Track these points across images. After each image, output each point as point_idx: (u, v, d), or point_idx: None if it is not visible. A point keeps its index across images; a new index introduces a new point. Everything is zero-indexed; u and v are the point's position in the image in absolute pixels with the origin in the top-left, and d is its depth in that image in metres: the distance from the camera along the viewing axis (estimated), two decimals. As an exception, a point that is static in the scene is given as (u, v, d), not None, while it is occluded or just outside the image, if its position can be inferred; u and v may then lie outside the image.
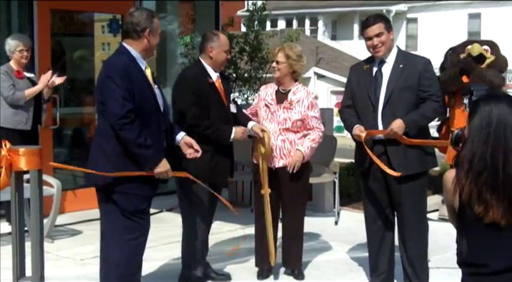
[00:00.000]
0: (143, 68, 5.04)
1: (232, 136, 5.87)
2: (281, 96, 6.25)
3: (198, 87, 5.85)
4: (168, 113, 5.31)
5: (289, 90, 6.24)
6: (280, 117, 6.16)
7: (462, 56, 8.22)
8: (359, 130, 5.59)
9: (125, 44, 5.08)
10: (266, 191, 6.07)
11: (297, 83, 6.29)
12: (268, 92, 6.33)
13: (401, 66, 5.59)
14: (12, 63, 7.84)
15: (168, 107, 5.31)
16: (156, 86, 5.12)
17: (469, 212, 3.17)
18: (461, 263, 3.28)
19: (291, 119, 6.14)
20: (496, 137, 3.13)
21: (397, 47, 5.76)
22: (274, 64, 6.27)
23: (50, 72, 7.93)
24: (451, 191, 3.25)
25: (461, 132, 4.19)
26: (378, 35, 5.60)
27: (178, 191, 6.04)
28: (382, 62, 5.67)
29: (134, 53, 5.02)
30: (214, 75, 5.94)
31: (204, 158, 5.65)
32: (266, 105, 6.23)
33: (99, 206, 5.12)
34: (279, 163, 6.17)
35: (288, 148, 6.16)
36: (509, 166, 3.12)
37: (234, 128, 5.90)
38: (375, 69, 5.68)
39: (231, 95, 6.37)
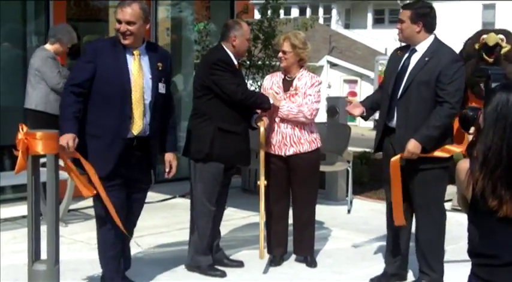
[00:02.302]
0: (129, 55, 5.20)
1: (271, 101, 6.06)
2: (287, 84, 6.29)
3: (232, 68, 5.96)
4: (162, 104, 5.37)
5: (295, 77, 6.27)
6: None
7: (477, 45, 8.17)
8: (353, 106, 5.94)
9: None
10: (262, 182, 6.08)
11: (302, 69, 6.32)
12: (274, 80, 6.37)
13: (426, 58, 5.51)
14: (51, 48, 7.76)
15: (163, 98, 5.38)
16: (150, 77, 5.25)
17: (482, 204, 3.13)
18: (471, 253, 3.25)
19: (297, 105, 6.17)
20: None
21: (434, 36, 5.64)
22: (280, 54, 6.28)
23: None
24: (464, 182, 3.20)
25: (470, 113, 4.11)
26: (400, 21, 5.63)
27: (192, 175, 6.06)
28: (413, 50, 5.62)
29: None
30: (235, 62, 6.04)
31: (232, 140, 5.89)
32: (273, 94, 6.25)
33: None
34: (289, 151, 6.20)
35: (298, 135, 6.20)
36: None
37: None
38: (405, 56, 5.66)
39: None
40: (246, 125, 6.07)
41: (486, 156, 3.09)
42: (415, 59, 5.59)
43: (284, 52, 6.22)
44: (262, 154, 6.13)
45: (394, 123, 5.62)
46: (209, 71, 5.89)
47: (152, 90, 5.26)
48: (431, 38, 5.61)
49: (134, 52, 5.22)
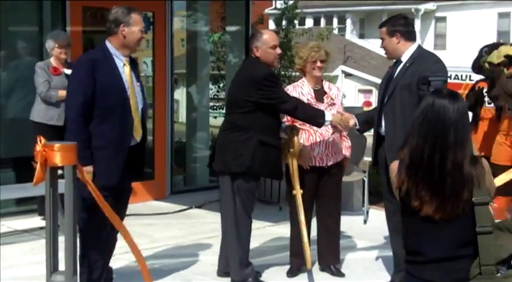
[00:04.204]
0: (120, 64, 5.26)
1: (328, 118, 5.92)
2: (319, 94, 6.23)
3: (278, 81, 6.02)
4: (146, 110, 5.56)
5: (322, 86, 6.26)
6: None
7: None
8: (344, 117, 5.97)
9: (106, 41, 5.33)
10: (298, 191, 6.02)
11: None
12: (300, 91, 6.22)
13: (408, 64, 5.63)
14: (52, 59, 7.96)
15: (146, 105, 5.52)
16: (138, 84, 5.36)
17: (407, 204, 3.28)
18: (405, 250, 3.41)
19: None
20: (434, 135, 3.19)
21: (418, 45, 5.77)
22: (319, 64, 6.18)
23: None
24: (394, 183, 3.36)
25: None
26: (381, 40, 5.80)
27: (227, 188, 5.90)
28: (399, 62, 5.74)
29: (112, 50, 5.27)
30: None
31: (272, 153, 5.81)
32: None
33: None
34: (330, 161, 6.21)
35: (338, 146, 6.26)
36: (445, 164, 3.18)
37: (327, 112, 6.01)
38: (393, 69, 5.78)
39: None
40: (280, 138, 6.01)
41: (411, 157, 3.24)
42: (399, 68, 5.70)
43: (322, 61, 6.19)
44: (295, 164, 6.04)
45: (383, 130, 5.72)
46: (257, 86, 5.71)
47: (141, 96, 5.41)
48: (414, 46, 5.72)
49: (124, 60, 5.30)
